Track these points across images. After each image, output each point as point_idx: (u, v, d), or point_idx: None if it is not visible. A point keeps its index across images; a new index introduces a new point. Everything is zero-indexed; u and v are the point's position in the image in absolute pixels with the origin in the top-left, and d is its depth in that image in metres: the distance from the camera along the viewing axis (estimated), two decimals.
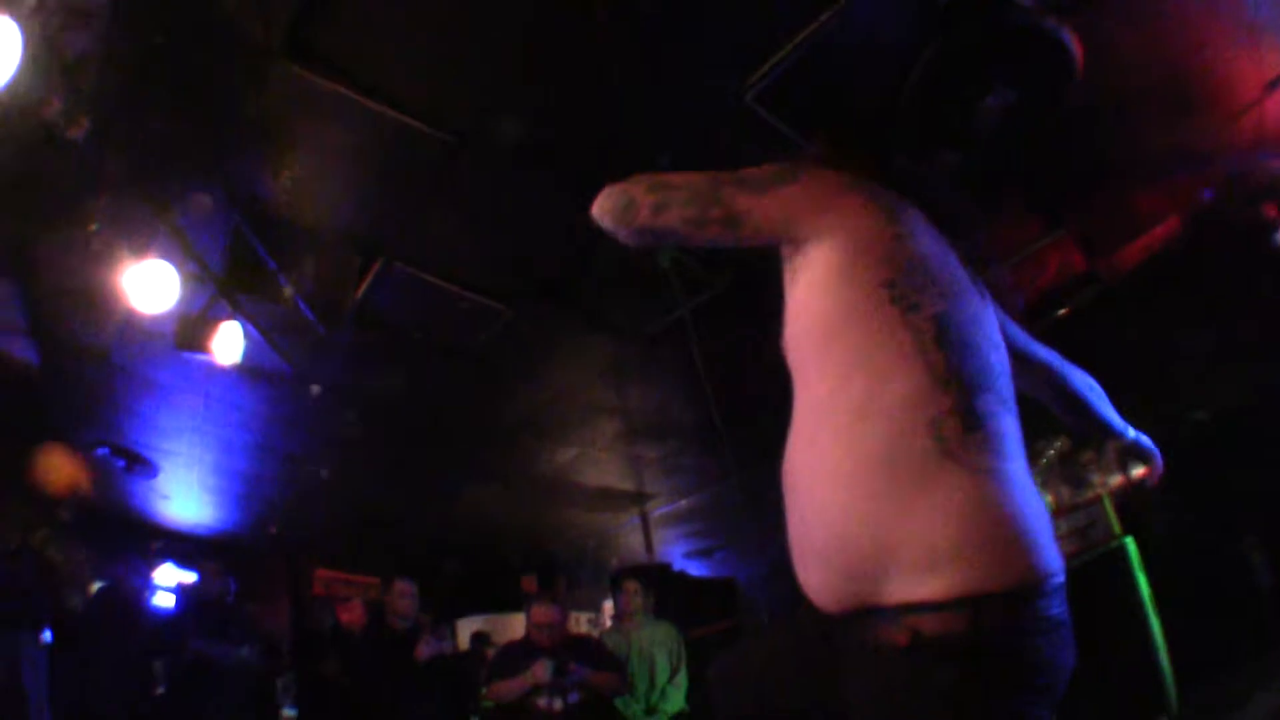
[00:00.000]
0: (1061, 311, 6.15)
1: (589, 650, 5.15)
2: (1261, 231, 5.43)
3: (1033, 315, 5.92)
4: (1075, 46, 3.71)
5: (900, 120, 3.86)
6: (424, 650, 5.16)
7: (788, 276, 1.62)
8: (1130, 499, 5.29)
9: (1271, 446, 5.73)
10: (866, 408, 1.41)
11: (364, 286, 4.43)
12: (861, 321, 1.47)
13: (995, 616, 1.28)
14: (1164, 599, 4.99)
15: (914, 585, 1.31)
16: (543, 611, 5.03)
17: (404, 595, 5.46)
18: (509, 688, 4.85)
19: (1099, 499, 5.44)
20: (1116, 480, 5.01)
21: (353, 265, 4.34)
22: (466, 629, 8.88)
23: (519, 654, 5.02)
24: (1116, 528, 5.25)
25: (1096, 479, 6.26)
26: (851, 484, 1.39)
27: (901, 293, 1.47)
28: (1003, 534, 1.33)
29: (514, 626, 8.46)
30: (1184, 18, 4.16)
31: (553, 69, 3.51)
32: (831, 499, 1.42)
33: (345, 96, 3.33)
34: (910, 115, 3.80)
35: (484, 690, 5.08)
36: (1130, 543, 5.07)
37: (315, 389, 5.33)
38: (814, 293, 1.54)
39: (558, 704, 4.76)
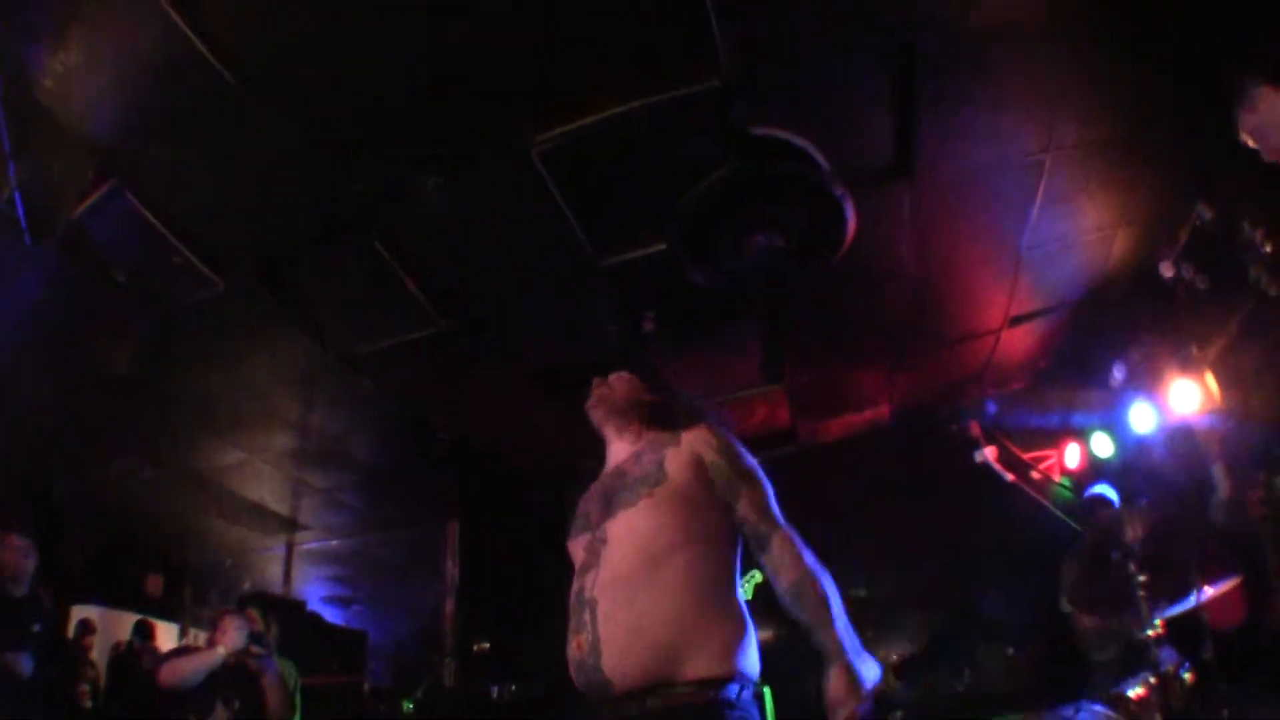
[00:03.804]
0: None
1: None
2: (965, 446, 5.86)
3: None
4: (852, 220, 3.82)
5: (668, 226, 3.83)
6: None
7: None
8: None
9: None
10: None
11: (86, 205, 4.03)
12: None
13: None
14: None
15: None
16: (234, 621, 4.53)
17: (17, 551, 4.82)
18: (191, 663, 4.39)
19: None
20: None
21: (83, 179, 3.98)
22: (77, 616, 7.80)
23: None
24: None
25: None
26: None
27: None
28: None
29: (123, 625, 7.63)
30: (960, 234, 4.51)
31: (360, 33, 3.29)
32: None
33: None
34: (680, 223, 3.78)
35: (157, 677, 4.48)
36: (767, 691, 5.17)
37: None
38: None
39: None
